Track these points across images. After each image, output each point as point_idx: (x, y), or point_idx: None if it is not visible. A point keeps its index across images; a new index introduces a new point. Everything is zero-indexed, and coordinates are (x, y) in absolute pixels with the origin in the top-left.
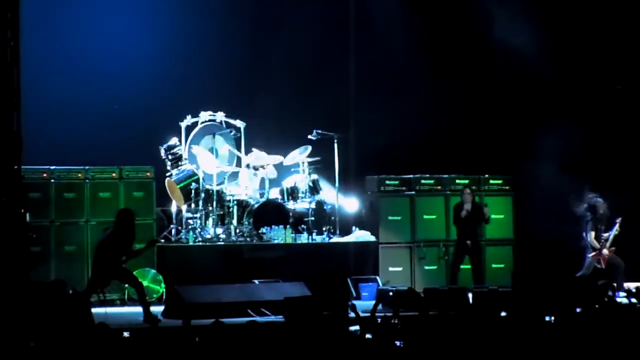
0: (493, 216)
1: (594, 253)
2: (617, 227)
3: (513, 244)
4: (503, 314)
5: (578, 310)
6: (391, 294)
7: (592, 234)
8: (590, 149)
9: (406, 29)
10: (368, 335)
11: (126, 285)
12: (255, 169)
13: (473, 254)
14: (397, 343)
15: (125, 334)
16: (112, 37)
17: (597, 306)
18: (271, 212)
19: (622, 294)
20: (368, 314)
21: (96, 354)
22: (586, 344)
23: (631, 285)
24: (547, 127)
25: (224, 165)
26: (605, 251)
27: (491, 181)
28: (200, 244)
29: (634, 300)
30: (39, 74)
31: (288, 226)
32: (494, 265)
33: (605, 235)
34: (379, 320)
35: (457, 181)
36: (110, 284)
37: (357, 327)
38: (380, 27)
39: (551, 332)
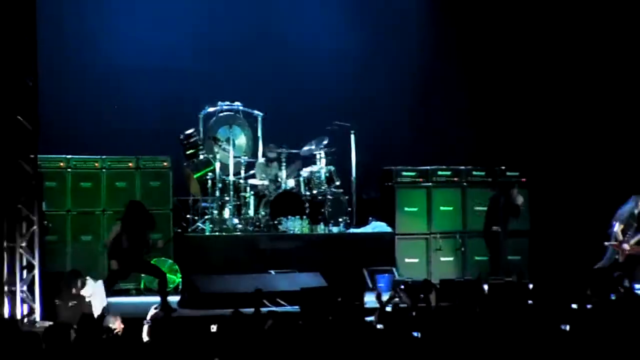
0: None
1: (614, 243)
2: None
3: (529, 236)
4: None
5: (590, 303)
6: (402, 286)
7: (621, 226)
8: (612, 142)
9: (426, 22)
10: (379, 326)
11: (142, 275)
12: (272, 160)
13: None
14: (415, 334)
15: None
16: (129, 28)
17: (612, 297)
18: (288, 203)
19: (638, 285)
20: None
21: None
22: (602, 335)
23: None
24: (565, 118)
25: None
26: (626, 246)
27: (507, 173)
28: (217, 234)
29: None
30: (56, 64)
31: (304, 216)
32: (509, 257)
33: (632, 233)
34: (391, 310)
35: (474, 173)
36: (130, 276)
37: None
38: (398, 19)
39: (568, 324)
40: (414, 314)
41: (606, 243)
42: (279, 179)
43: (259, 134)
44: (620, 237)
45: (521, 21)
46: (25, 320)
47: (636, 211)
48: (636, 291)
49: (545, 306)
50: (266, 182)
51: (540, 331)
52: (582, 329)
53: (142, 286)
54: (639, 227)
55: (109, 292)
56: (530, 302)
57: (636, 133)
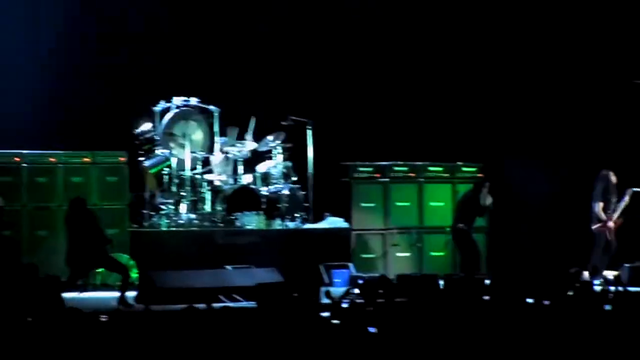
0: None
1: (598, 225)
2: (627, 197)
3: (486, 231)
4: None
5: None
6: (360, 281)
7: (600, 204)
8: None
9: (384, 13)
10: (335, 321)
11: (99, 270)
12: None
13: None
14: (371, 330)
15: (103, 318)
16: (85, 21)
17: (569, 294)
18: (244, 198)
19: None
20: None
21: (67, 337)
22: (558, 330)
23: (609, 273)
24: (523, 114)
25: None
26: (610, 224)
27: (464, 169)
28: (174, 229)
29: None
30: (10, 60)
31: (261, 212)
32: None
33: (617, 205)
34: (347, 305)
35: (430, 168)
36: (91, 272)
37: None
38: (354, 11)
39: (522, 321)
40: (370, 309)
41: (592, 227)
42: (236, 175)
43: (216, 129)
44: (603, 217)
45: (479, 13)
46: None
47: (610, 184)
48: (595, 287)
49: (502, 302)
50: (223, 178)
51: (496, 327)
52: (538, 325)
53: (98, 281)
54: (618, 200)
55: (72, 288)
56: (486, 297)
57: (594, 129)
